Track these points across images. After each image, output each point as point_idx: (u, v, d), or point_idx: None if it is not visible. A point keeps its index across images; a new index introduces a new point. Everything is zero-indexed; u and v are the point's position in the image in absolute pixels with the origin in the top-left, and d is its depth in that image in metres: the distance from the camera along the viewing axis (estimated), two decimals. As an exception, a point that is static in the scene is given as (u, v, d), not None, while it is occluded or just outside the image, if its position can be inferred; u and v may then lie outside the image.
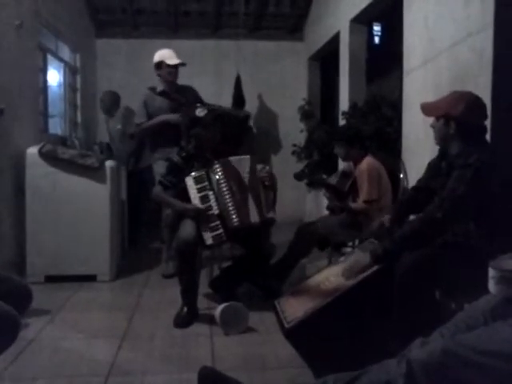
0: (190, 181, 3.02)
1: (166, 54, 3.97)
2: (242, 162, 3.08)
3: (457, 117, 2.13)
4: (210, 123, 3.16)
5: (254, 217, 2.99)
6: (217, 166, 3.03)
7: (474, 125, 2.16)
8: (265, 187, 3.12)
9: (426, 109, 2.29)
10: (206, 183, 3.01)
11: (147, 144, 4.42)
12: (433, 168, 2.37)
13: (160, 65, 3.96)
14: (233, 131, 5.41)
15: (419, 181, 2.47)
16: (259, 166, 3.15)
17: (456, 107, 2.13)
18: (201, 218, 2.94)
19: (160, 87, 4.05)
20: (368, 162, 3.31)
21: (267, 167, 3.21)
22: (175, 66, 3.97)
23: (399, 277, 2.00)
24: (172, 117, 3.89)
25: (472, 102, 2.16)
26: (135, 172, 5.02)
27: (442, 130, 2.20)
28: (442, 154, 2.32)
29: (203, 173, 3.02)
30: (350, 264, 2.22)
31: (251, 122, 6.46)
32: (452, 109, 2.14)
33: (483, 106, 2.18)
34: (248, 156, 3.12)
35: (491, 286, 1.51)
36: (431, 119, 2.27)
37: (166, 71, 3.96)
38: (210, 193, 3.00)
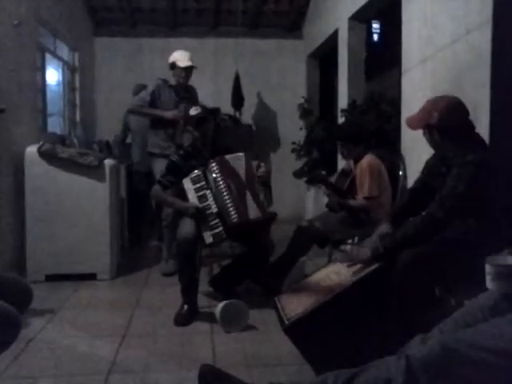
0: (187, 182, 3.05)
1: (178, 56, 4.18)
2: (238, 160, 3.10)
3: (435, 125, 2.15)
4: (198, 122, 3.21)
5: (253, 213, 2.99)
6: (213, 164, 3.05)
7: (457, 125, 2.16)
8: (262, 184, 3.16)
9: (410, 123, 2.29)
10: (203, 182, 3.03)
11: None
12: (431, 167, 2.37)
13: (173, 65, 4.19)
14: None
15: (416, 181, 2.47)
16: (255, 163, 3.16)
17: (431, 116, 2.15)
18: (200, 216, 2.95)
19: (172, 82, 4.26)
20: (369, 159, 3.32)
21: (262, 164, 3.21)
22: (185, 68, 4.15)
23: (398, 273, 2.01)
24: (168, 114, 4.04)
25: (446, 106, 2.15)
26: (139, 169, 5.02)
27: (429, 139, 2.23)
28: (439, 154, 2.32)
29: (200, 173, 3.05)
30: (352, 252, 2.26)
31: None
32: (429, 118, 2.16)
33: (458, 104, 2.17)
34: (242, 153, 3.14)
35: (488, 282, 1.52)
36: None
37: (177, 72, 4.18)
38: (208, 192, 3.01)
